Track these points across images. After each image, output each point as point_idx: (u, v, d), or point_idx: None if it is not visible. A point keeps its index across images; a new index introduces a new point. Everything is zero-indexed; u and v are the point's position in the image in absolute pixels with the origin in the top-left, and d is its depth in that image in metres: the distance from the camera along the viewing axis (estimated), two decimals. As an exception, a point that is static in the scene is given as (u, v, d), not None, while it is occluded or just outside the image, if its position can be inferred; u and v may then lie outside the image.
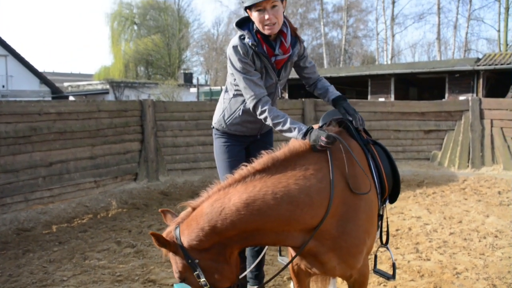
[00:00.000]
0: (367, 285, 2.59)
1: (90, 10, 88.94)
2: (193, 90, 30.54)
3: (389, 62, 33.63)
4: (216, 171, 3.32)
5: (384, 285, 4.10)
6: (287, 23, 2.79)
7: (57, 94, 28.04)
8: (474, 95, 17.56)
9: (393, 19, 34.18)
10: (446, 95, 18.82)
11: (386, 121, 10.28)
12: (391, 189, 2.67)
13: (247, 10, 2.69)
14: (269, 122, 2.64)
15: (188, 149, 9.28)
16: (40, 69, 31.37)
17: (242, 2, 2.66)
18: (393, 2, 33.91)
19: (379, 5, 35.38)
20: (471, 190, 8.12)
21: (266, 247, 2.99)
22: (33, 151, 6.96)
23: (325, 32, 36.81)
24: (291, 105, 10.51)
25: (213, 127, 3.23)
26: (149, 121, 8.76)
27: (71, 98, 29.17)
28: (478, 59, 19.05)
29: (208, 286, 2.16)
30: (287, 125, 2.52)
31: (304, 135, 2.37)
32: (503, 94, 16.40)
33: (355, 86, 23.44)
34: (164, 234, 2.22)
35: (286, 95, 22.41)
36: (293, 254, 2.47)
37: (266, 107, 2.65)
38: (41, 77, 28.05)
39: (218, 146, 3.19)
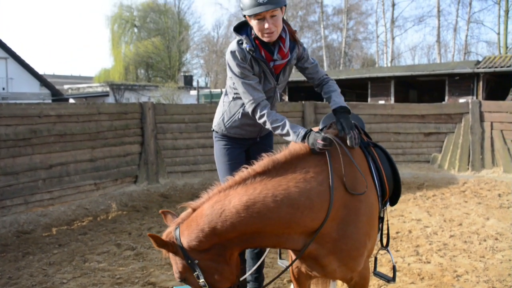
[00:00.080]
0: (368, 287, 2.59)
1: (90, 13, 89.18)
2: (193, 92, 30.58)
3: (389, 64, 33.65)
4: (216, 174, 3.32)
5: (385, 288, 4.10)
6: (285, 27, 2.78)
7: (57, 96, 28.02)
8: (474, 97, 17.57)
9: (393, 21, 34.23)
10: (446, 97, 18.82)
11: (386, 124, 10.28)
12: (391, 192, 2.67)
13: (246, 16, 2.68)
14: (268, 126, 2.64)
15: (188, 151, 9.29)
16: (40, 71, 31.46)
17: (242, 9, 2.64)
18: (393, 5, 33.98)
19: (379, 7, 35.51)
20: (471, 192, 8.12)
21: (267, 250, 2.99)
22: (33, 153, 6.96)
23: (325, 35, 36.87)
24: (291, 107, 10.51)
25: (213, 130, 3.24)
26: (149, 123, 8.76)
27: (71, 100, 29.25)
28: (478, 62, 19.06)
29: (208, 287, 2.17)
30: (286, 129, 2.53)
31: (303, 138, 2.38)
32: (503, 97, 16.41)
33: (355, 88, 23.43)
34: (164, 235, 2.23)
35: (286, 98, 22.43)
36: (294, 257, 2.47)
37: (264, 111, 2.65)
38: (41, 80, 28.06)
39: (218, 148, 3.21)
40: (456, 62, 22.33)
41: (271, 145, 3.32)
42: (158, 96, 27.46)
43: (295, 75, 19.65)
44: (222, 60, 41.25)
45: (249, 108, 2.73)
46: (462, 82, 18.35)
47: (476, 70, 17.64)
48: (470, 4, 31.66)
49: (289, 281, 4.15)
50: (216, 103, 3.55)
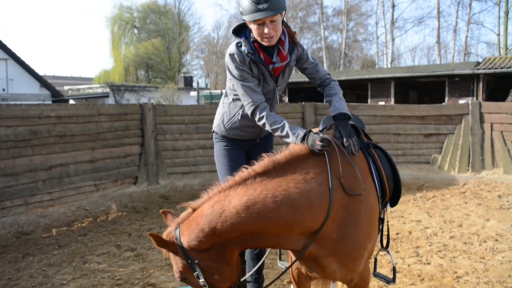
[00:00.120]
0: (368, 289, 2.58)
1: (90, 14, 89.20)
2: (193, 93, 30.60)
3: (389, 65, 33.66)
4: (216, 175, 3.33)
5: (385, 289, 4.09)
6: (285, 29, 2.77)
7: (57, 97, 28.04)
8: (474, 98, 17.57)
9: (393, 23, 34.25)
10: (446, 98, 18.82)
11: (386, 125, 10.28)
12: (392, 193, 2.67)
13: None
14: (267, 128, 2.64)
15: (188, 152, 9.29)
16: (41, 72, 31.46)
17: (241, 13, 2.62)
18: (393, 6, 34.00)
19: (379, 9, 35.55)
20: (471, 193, 8.11)
21: (267, 251, 2.98)
22: (33, 154, 6.96)
23: (325, 36, 36.88)
24: (291, 108, 10.51)
25: (213, 131, 3.25)
26: (149, 124, 8.76)
27: (71, 101, 29.25)
28: (478, 63, 19.07)
29: (208, 286, 2.17)
30: (285, 130, 2.53)
31: (302, 140, 2.38)
32: (503, 98, 16.41)
33: (355, 89, 23.44)
34: (164, 235, 2.23)
35: (286, 99, 22.43)
36: (294, 258, 2.46)
37: (264, 113, 2.65)
38: (42, 81, 28.07)
39: (218, 149, 3.21)
40: (456, 63, 22.34)
41: (271, 146, 3.33)
42: (158, 97, 27.46)
43: (295, 76, 19.68)
44: (222, 61, 41.28)
45: (248, 110, 2.73)
46: (462, 83, 18.35)
47: (476, 71, 17.65)
48: (470, 5, 31.70)
49: (289, 282, 4.15)
50: (216, 104, 3.56)
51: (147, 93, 31.57)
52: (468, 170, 9.66)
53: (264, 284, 3.33)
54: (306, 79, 3.08)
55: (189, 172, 9.22)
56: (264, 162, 2.24)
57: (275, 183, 2.15)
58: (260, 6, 2.49)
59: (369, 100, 20.74)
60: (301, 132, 2.43)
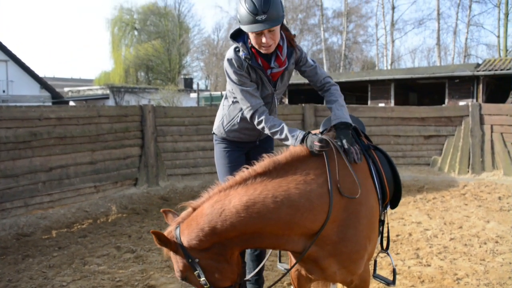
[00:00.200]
0: (368, 290, 2.58)
1: (90, 15, 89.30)
2: (193, 95, 30.60)
3: (389, 67, 33.69)
4: (216, 176, 3.34)
5: (385, 291, 4.09)
6: (283, 34, 2.76)
7: (58, 99, 28.05)
8: (474, 100, 17.57)
9: (393, 24, 34.28)
10: (446, 100, 18.83)
11: (386, 127, 10.29)
12: (392, 195, 2.67)
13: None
14: (266, 131, 2.65)
15: (188, 154, 9.29)
16: (41, 74, 31.43)
17: (239, 22, 2.58)
18: (393, 8, 34.05)
19: (379, 10, 35.59)
20: (472, 195, 8.11)
21: (268, 253, 2.98)
22: (33, 156, 6.96)
23: (325, 38, 36.92)
24: (291, 110, 10.52)
25: (213, 133, 3.27)
26: (149, 126, 8.77)
27: (71, 103, 29.23)
28: (478, 65, 19.08)
29: (208, 285, 2.18)
30: (284, 133, 2.53)
31: (301, 141, 2.38)
32: (503, 100, 16.42)
33: (355, 91, 23.45)
34: (165, 233, 2.23)
35: (286, 101, 22.44)
36: (293, 259, 2.46)
37: (262, 117, 2.66)
38: (42, 82, 28.07)
39: (218, 151, 3.22)
40: (456, 65, 22.35)
41: (272, 147, 3.33)
42: (158, 98, 27.47)
43: (295, 78, 19.67)
44: (222, 63, 41.01)
45: (247, 115, 2.74)
46: (462, 85, 18.36)
47: (476, 73, 17.66)
48: (470, 7, 31.72)
49: (289, 284, 4.14)
50: (216, 106, 3.57)
51: (147, 94, 31.58)
52: (468, 171, 9.66)
53: (264, 286, 3.34)
54: (306, 81, 3.07)
55: (189, 173, 9.22)
56: (264, 162, 2.24)
57: (276, 184, 2.16)
58: (258, 18, 2.46)
59: (369, 102, 20.75)
60: (300, 134, 2.43)
